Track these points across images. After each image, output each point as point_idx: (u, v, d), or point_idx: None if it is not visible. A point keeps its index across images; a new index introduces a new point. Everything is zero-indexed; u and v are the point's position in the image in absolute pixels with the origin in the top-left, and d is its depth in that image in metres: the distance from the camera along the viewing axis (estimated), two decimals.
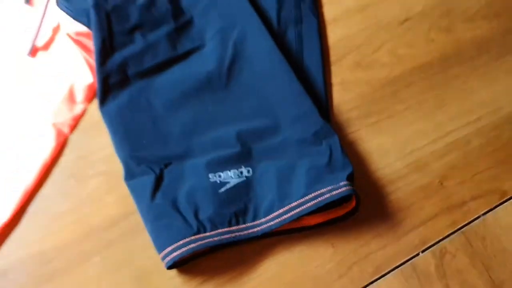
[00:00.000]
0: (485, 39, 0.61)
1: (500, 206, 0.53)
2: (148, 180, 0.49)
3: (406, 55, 0.59)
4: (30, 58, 0.55)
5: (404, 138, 0.55)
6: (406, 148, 0.55)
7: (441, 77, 0.58)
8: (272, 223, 0.48)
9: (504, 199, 0.53)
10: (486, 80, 0.59)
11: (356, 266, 0.49)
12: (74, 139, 0.54)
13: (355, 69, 0.58)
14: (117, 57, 0.53)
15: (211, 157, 0.50)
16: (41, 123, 0.53)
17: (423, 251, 0.50)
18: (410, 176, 0.53)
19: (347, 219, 0.50)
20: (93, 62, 0.54)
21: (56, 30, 0.56)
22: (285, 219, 0.48)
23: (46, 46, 0.56)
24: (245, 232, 0.48)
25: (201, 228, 0.47)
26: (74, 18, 0.55)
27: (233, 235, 0.48)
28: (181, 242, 0.46)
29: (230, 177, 0.50)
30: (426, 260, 0.50)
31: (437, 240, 0.51)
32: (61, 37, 0.56)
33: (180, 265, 0.48)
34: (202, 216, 0.48)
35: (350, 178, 0.49)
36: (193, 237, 0.46)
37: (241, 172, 0.50)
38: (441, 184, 0.53)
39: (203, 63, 0.55)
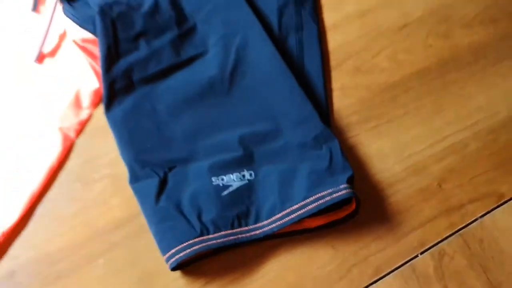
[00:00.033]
0: (482, 44, 0.62)
1: (498, 209, 0.54)
2: (153, 183, 0.50)
3: (404, 61, 0.60)
4: (37, 64, 0.56)
5: (403, 142, 0.56)
6: (405, 152, 0.55)
7: (439, 82, 0.59)
8: (274, 225, 0.49)
9: (501, 201, 0.54)
10: (483, 85, 0.59)
11: (356, 268, 0.50)
12: (80, 143, 0.54)
13: (354, 75, 0.59)
14: (122, 64, 0.54)
15: (214, 161, 0.51)
16: (48, 127, 0.54)
17: (422, 253, 0.51)
18: (409, 179, 0.54)
19: (347, 222, 0.51)
20: (98, 68, 0.55)
21: (62, 37, 0.57)
22: (286, 222, 0.48)
23: (53, 53, 0.57)
24: (248, 234, 0.49)
25: (205, 231, 0.48)
26: (80, 25, 0.56)
27: (235, 237, 0.48)
28: (185, 244, 0.47)
29: (233, 180, 0.50)
30: (425, 261, 0.51)
31: (435, 242, 0.52)
32: (67, 44, 0.57)
33: (184, 266, 0.48)
34: (206, 218, 0.48)
35: (350, 181, 0.50)
36: (196, 239, 0.47)
37: (244, 176, 0.51)
38: (440, 187, 0.54)
39: (206, 69, 0.55)
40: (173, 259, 0.46)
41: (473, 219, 0.53)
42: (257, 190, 0.50)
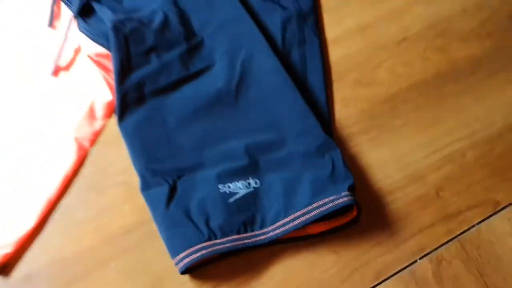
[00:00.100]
0: (478, 57, 0.63)
1: (494, 216, 0.55)
2: (163, 190, 0.51)
3: (403, 73, 0.61)
4: (53, 78, 0.57)
5: (402, 152, 0.57)
6: (404, 160, 0.57)
7: (437, 93, 0.61)
8: (278, 231, 0.50)
9: (498, 209, 0.55)
10: (479, 96, 0.61)
11: (357, 272, 0.51)
12: (94, 152, 0.56)
13: (355, 87, 0.61)
14: (134, 77, 0.55)
15: (221, 169, 0.52)
16: (64, 137, 0.55)
17: (420, 258, 0.52)
18: (408, 187, 0.55)
19: (349, 228, 0.52)
20: (112, 81, 0.57)
21: (77, 51, 0.59)
22: (290, 228, 0.50)
23: (68, 67, 0.58)
24: (253, 239, 0.50)
25: (212, 236, 0.49)
26: (94, 41, 0.58)
27: (242, 242, 0.50)
28: (193, 248, 0.48)
29: (239, 188, 0.52)
30: (424, 266, 0.52)
31: (434, 247, 0.53)
32: (82, 58, 0.58)
33: (192, 270, 0.50)
34: (213, 224, 0.50)
35: (352, 189, 0.51)
36: (204, 244, 0.49)
37: (249, 183, 0.52)
38: (438, 194, 0.55)
39: (213, 82, 0.57)
40: (182, 263, 0.48)
41: (470, 226, 0.54)
42: (262, 197, 0.52)
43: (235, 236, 0.50)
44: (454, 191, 0.56)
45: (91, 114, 0.57)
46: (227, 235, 0.50)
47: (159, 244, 0.50)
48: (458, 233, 0.54)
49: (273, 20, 0.61)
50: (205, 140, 0.55)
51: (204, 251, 0.48)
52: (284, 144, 0.54)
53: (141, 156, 0.53)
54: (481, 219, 0.55)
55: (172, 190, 0.52)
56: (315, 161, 0.53)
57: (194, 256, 0.48)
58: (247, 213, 0.51)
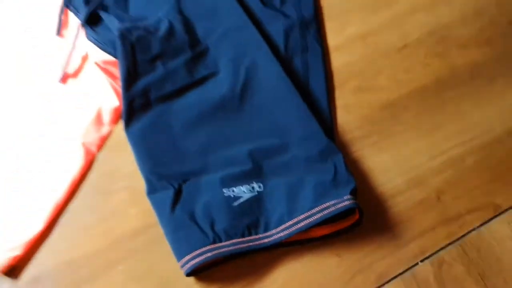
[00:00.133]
0: (477, 64, 0.64)
1: (494, 219, 0.55)
2: (168, 194, 0.52)
3: (404, 80, 0.62)
4: (61, 85, 0.58)
5: (403, 156, 0.58)
6: (405, 165, 0.57)
7: (437, 99, 0.61)
8: (281, 234, 0.51)
9: (498, 212, 0.56)
10: (479, 102, 0.62)
11: (360, 274, 0.52)
12: (101, 157, 0.57)
13: (357, 93, 0.61)
14: (140, 84, 0.56)
15: (225, 174, 0.53)
16: (72, 142, 0.56)
17: (422, 261, 0.53)
18: (409, 191, 0.56)
19: (351, 231, 0.53)
20: (118, 88, 0.58)
21: (85, 59, 0.60)
22: (293, 231, 0.51)
23: (76, 74, 0.60)
24: (257, 242, 0.51)
25: (217, 239, 0.50)
26: (101, 48, 0.59)
27: (246, 245, 0.50)
28: (198, 251, 0.49)
29: (243, 191, 0.53)
30: (425, 269, 0.53)
31: (435, 250, 0.53)
32: (89, 65, 0.60)
33: (198, 272, 0.51)
34: (218, 227, 0.51)
35: (354, 193, 0.52)
36: (209, 247, 0.49)
37: (253, 187, 0.53)
38: (438, 198, 0.56)
39: (217, 88, 0.58)
40: (188, 265, 0.49)
41: (470, 229, 0.55)
42: (266, 201, 0.53)
43: (240, 239, 0.51)
44: (454, 195, 0.56)
45: (98, 120, 0.58)
46: (231, 238, 0.50)
47: (165, 247, 0.51)
48: (459, 236, 0.54)
49: (276, 28, 0.62)
50: (210, 145, 0.56)
51: (209, 254, 0.49)
52: (287, 149, 0.55)
53: (147, 161, 0.54)
54: (482, 222, 0.55)
55: (178, 193, 0.52)
56: (317, 166, 0.54)
57: (199, 258, 0.49)
58: (251, 216, 0.52)
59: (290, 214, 0.52)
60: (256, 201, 0.53)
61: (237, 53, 0.59)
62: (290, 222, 0.51)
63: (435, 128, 0.60)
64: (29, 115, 0.57)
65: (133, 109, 0.56)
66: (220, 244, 0.50)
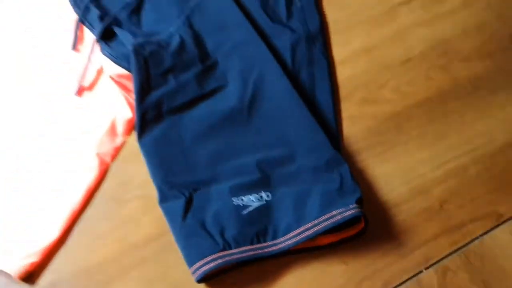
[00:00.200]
0: (479, 76, 0.65)
1: (497, 228, 0.56)
2: (179, 203, 0.53)
3: (407, 92, 0.64)
4: (77, 97, 0.60)
5: (407, 166, 0.59)
6: (409, 175, 0.58)
7: (440, 111, 0.62)
8: (289, 242, 0.52)
9: (500, 221, 0.57)
10: (481, 113, 0.63)
11: (366, 281, 0.53)
12: (114, 167, 0.58)
13: (362, 105, 0.63)
14: (153, 96, 0.58)
15: (234, 183, 0.55)
16: (87, 153, 0.58)
17: (426, 269, 0.54)
18: (413, 200, 0.57)
19: (357, 239, 0.54)
20: (132, 100, 0.59)
21: (99, 72, 0.61)
22: (301, 239, 0.52)
23: (91, 87, 0.61)
24: (266, 250, 0.52)
25: (227, 246, 0.51)
26: (115, 63, 0.61)
27: (255, 252, 0.52)
28: (209, 258, 0.50)
29: (252, 200, 0.54)
30: (430, 276, 0.54)
31: (439, 258, 0.54)
32: (104, 79, 0.61)
33: (208, 279, 0.52)
34: (227, 235, 0.52)
35: (359, 202, 0.53)
36: (219, 254, 0.51)
37: (261, 196, 0.54)
38: (442, 207, 0.57)
39: (226, 100, 0.59)
40: (199, 272, 0.50)
41: (474, 238, 0.56)
42: (274, 210, 0.54)
43: (249, 247, 0.52)
44: (457, 204, 0.57)
45: (113, 131, 0.59)
46: (241, 246, 0.52)
47: (177, 254, 0.52)
48: (462, 244, 0.55)
49: (283, 42, 0.64)
50: (219, 155, 0.57)
51: (219, 261, 0.50)
52: (295, 159, 0.56)
53: (159, 171, 0.56)
54: (485, 231, 0.56)
55: (188, 202, 0.54)
56: (324, 176, 0.55)
57: (210, 265, 0.50)
58: (259, 224, 0.53)
59: (298, 222, 0.53)
60: (265, 209, 0.54)
61: (245, 66, 0.61)
62: (298, 230, 0.52)
63: (438, 139, 0.61)
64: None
65: (146, 121, 0.58)
66: (230, 251, 0.51)
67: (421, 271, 0.54)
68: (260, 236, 0.53)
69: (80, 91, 0.61)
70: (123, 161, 0.59)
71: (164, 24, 0.63)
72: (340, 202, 0.53)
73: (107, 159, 0.59)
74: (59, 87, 0.59)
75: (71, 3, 0.65)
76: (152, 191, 0.55)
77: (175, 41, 0.62)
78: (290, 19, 0.66)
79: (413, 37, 0.68)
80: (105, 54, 0.62)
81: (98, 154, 0.58)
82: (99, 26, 0.62)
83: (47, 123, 0.56)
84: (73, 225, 0.55)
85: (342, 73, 0.65)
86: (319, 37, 0.66)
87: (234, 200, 0.54)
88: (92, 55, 0.62)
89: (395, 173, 0.59)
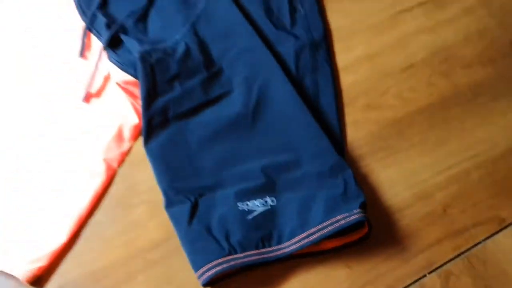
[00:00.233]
0: (480, 83, 0.66)
1: (499, 233, 0.57)
2: (185, 208, 0.54)
3: (410, 98, 0.64)
4: (84, 104, 0.61)
5: (410, 171, 0.60)
6: (412, 180, 0.59)
7: (441, 117, 0.63)
8: (294, 246, 0.52)
9: (503, 226, 0.57)
10: (482, 120, 0.63)
11: (369, 285, 0.53)
12: (121, 172, 0.59)
13: (365, 111, 0.63)
14: (159, 102, 0.59)
15: (239, 188, 0.55)
16: (94, 158, 0.58)
17: (429, 273, 0.54)
18: (416, 205, 0.58)
19: (360, 243, 0.54)
20: (138, 106, 0.60)
21: (107, 79, 0.62)
22: (305, 243, 0.52)
23: (99, 93, 0.62)
24: (271, 254, 0.53)
25: (232, 251, 0.52)
26: (122, 69, 0.61)
27: (260, 257, 0.52)
28: (214, 262, 0.51)
29: (257, 205, 0.54)
30: (433, 281, 0.54)
31: (442, 263, 0.55)
32: (111, 85, 0.62)
33: (214, 283, 0.52)
34: (233, 240, 0.52)
35: (363, 207, 0.54)
36: (225, 258, 0.51)
37: (266, 201, 0.55)
38: (445, 212, 0.58)
39: (231, 106, 0.60)
40: (204, 276, 0.50)
41: (477, 242, 0.56)
42: (279, 215, 0.54)
43: (254, 251, 0.52)
44: (460, 209, 0.58)
45: (119, 137, 0.60)
46: (246, 250, 0.52)
47: (183, 258, 0.52)
48: (465, 249, 0.56)
49: (287, 49, 0.65)
50: (224, 161, 0.57)
51: (225, 265, 0.51)
52: (299, 164, 0.57)
53: (165, 176, 0.56)
54: (487, 235, 0.57)
55: (194, 207, 0.54)
56: (328, 181, 0.56)
57: (216, 269, 0.51)
58: (264, 229, 0.54)
59: (302, 227, 0.53)
60: (270, 214, 0.54)
61: (250, 73, 0.62)
62: (302, 235, 0.53)
63: (440, 144, 0.62)
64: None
65: (152, 127, 0.58)
66: (235, 256, 0.52)
67: (424, 276, 0.55)
68: (265, 240, 0.53)
69: (88, 97, 0.62)
70: (129, 166, 0.59)
71: (169, 32, 0.64)
72: (344, 207, 0.54)
73: (114, 164, 0.59)
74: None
75: (78, 11, 0.66)
76: (158, 196, 0.56)
77: (180, 48, 0.62)
78: (294, 27, 0.67)
79: (414, 44, 0.68)
80: (112, 61, 0.62)
81: (105, 160, 0.59)
82: (106, 34, 0.63)
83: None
84: (81, 229, 0.56)
85: (345, 80, 0.65)
86: (323, 44, 0.66)
87: (239, 205, 0.55)
88: (100, 62, 0.62)
89: (398, 178, 0.59)
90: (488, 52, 0.68)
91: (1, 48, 0.59)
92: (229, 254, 0.52)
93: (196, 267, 0.52)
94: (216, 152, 0.58)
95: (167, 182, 0.56)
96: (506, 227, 0.58)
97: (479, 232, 0.57)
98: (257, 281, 0.54)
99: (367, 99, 0.64)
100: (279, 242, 0.53)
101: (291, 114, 0.60)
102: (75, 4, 0.66)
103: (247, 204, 0.55)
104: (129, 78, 0.62)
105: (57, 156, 0.57)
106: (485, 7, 0.71)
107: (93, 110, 0.61)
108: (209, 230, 0.53)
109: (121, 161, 0.60)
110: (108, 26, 0.63)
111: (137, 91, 0.60)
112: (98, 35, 0.64)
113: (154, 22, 0.65)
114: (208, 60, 0.63)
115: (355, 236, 0.54)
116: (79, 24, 0.64)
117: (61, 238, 0.54)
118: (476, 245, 0.56)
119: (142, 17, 0.65)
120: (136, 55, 0.61)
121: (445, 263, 0.55)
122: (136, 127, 0.61)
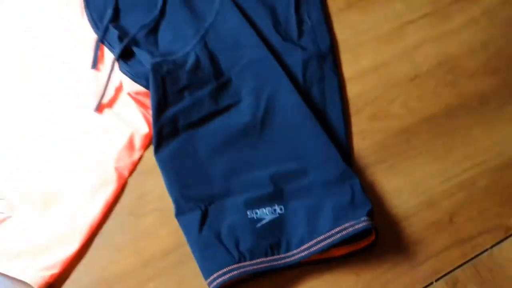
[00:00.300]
0: (486, 92, 0.66)
1: (505, 240, 0.57)
2: (195, 216, 0.55)
3: (416, 108, 0.65)
4: (97, 114, 0.62)
5: (416, 180, 0.60)
6: (419, 188, 0.60)
7: (447, 126, 0.64)
8: (302, 254, 0.53)
9: (509, 234, 0.58)
10: (488, 128, 0.64)
11: None
12: (132, 181, 0.59)
13: (372, 120, 0.64)
14: (170, 112, 0.60)
15: (248, 196, 0.56)
16: (105, 167, 0.59)
17: (436, 280, 0.55)
18: (423, 213, 0.58)
19: (367, 251, 0.55)
20: (149, 116, 0.61)
21: (118, 90, 0.63)
22: (314, 251, 0.53)
23: (111, 103, 0.63)
24: (280, 262, 0.53)
25: (242, 258, 0.53)
26: (134, 80, 0.62)
27: (269, 264, 0.53)
28: (224, 269, 0.52)
29: (265, 214, 0.55)
30: None
31: (449, 270, 0.55)
32: (123, 96, 0.63)
33: None
34: (242, 247, 0.53)
35: (370, 215, 0.54)
36: (235, 266, 0.52)
37: (275, 210, 0.56)
38: (451, 220, 0.58)
39: (240, 116, 0.61)
40: (215, 283, 0.51)
41: (483, 250, 0.57)
42: (287, 223, 0.55)
43: (263, 259, 0.53)
44: (466, 217, 0.58)
45: (130, 146, 0.61)
46: (255, 258, 0.53)
47: (193, 266, 0.53)
48: (472, 256, 0.56)
49: (295, 60, 0.65)
50: (233, 169, 0.58)
51: (234, 272, 0.52)
52: (307, 173, 0.58)
53: (175, 184, 0.57)
54: (493, 243, 0.57)
55: (204, 215, 0.55)
56: (336, 189, 0.56)
57: (225, 276, 0.51)
58: (273, 237, 0.54)
59: (311, 235, 0.54)
60: (278, 222, 0.55)
61: (258, 83, 0.63)
62: (311, 243, 0.54)
63: (446, 153, 0.62)
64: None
65: (162, 136, 0.59)
66: (245, 263, 0.53)
67: (431, 283, 0.55)
68: (274, 248, 0.54)
69: (100, 108, 0.63)
70: (140, 175, 0.60)
71: (180, 44, 0.65)
72: (352, 215, 0.54)
73: (125, 173, 0.60)
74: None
75: (90, 24, 0.67)
76: (168, 204, 0.56)
77: (190, 60, 0.63)
78: (301, 38, 0.68)
79: (420, 54, 0.69)
80: (124, 72, 0.64)
81: (116, 168, 0.60)
82: (118, 46, 0.64)
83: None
84: (92, 238, 0.57)
85: (352, 90, 0.66)
86: (330, 55, 0.67)
87: (248, 213, 0.55)
88: (112, 73, 0.64)
89: (405, 187, 0.60)
90: (493, 62, 0.69)
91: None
92: (239, 261, 0.53)
93: (207, 275, 0.52)
94: (225, 161, 0.59)
95: (177, 190, 0.57)
96: None
97: (486, 240, 0.57)
98: None
99: (373, 109, 0.65)
100: (287, 250, 0.54)
101: (299, 123, 0.61)
102: (87, 16, 0.67)
103: (256, 213, 0.55)
104: (140, 88, 0.63)
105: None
106: (489, 18, 0.71)
107: (105, 120, 0.62)
108: (219, 237, 0.54)
109: (132, 170, 0.61)
110: (120, 38, 0.65)
111: (148, 102, 0.62)
112: (111, 48, 0.66)
113: (164, 35, 0.66)
114: (217, 71, 0.64)
115: (362, 244, 0.55)
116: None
117: (73, 246, 0.55)
118: (482, 252, 0.57)
119: (153, 30, 0.67)
120: (147, 66, 0.62)
121: (452, 271, 0.56)
122: (146, 136, 0.62)
